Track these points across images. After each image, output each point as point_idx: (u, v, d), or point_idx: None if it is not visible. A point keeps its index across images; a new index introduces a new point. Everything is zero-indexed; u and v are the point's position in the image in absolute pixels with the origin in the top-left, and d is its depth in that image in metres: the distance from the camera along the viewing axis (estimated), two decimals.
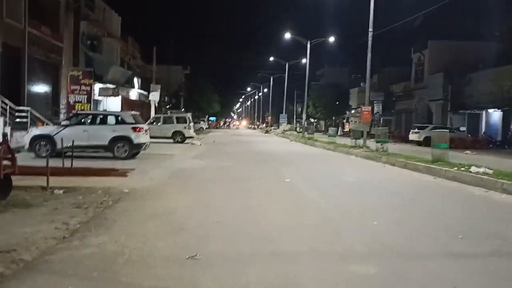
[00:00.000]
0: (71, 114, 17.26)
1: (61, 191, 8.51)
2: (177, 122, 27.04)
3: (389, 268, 4.38)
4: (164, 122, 27.27)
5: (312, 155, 19.59)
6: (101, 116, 15.88)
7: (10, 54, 18.73)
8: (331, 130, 29.78)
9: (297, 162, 16.16)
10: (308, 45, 35.89)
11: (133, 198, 8.03)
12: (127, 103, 34.79)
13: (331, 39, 36.87)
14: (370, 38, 20.30)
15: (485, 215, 7.21)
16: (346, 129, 53.28)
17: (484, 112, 38.93)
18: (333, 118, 70.34)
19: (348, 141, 26.68)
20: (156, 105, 36.30)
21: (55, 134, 14.76)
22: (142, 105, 41.46)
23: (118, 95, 30.02)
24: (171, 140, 26.18)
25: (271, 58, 54.20)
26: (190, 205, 7.33)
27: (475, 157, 17.61)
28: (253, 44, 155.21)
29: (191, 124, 27.60)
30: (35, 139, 14.83)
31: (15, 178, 9.34)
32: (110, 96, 29.53)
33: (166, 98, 53.21)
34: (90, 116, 15.68)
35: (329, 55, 66.42)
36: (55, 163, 11.04)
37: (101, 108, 30.11)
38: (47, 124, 16.48)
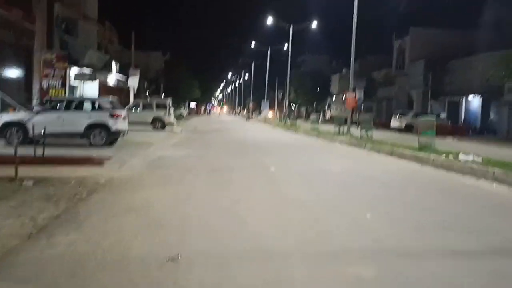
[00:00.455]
0: (44, 100, 16.48)
1: (31, 182, 7.95)
2: (157, 109, 26.34)
3: (385, 268, 4.03)
4: (144, 108, 26.55)
5: (295, 143, 19.25)
6: (77, 102, 15.19)
7: None
8: (314, 116, 29.42)
9: (281, 150, 15.79)
10: (291, 29, 35.34)
11: (109, 189, 7.53)
12: (104, 89, 33.81)
13: (314, 24, 36.37)
14: (354, 22, 19.91)
15: (481, 208, 6.93)
16: (328, 116, 53.14)
17: (463, 99, 39.19)
18: (314, 104, 70.36)
19: (330, 128, 26.48)
20: (135, 91, 35.36)
21: (27, 121, 14.04)
22: (120, 91, 40.43)
23: (95, 80, 29.06)
24: (151, 127, 25.51)
25: (253, 44, 53.45)
26: (170, 198, 6.88)
27: (459, 145, 17.51)
28: (235, 30, 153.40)
29: (171, 110, 26.93)
30: (6, 126, 14.08)
31: None
32: (86, 80, 28.56)
33: (145, 84, 52.15)
34: (65, 102, 14.95)
35: (310, 42, 65.93)
36: (26, 151, 10.46)
37: (77, 94, 29.18)
38: (19, 110, 15.67)
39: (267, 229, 5.25)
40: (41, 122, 14.12)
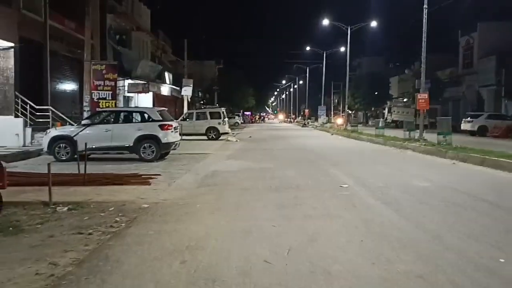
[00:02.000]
0: (91, 112, 15.74)
1: (65, 208, 6.81)
2: (211, 118, 25.27)
3: None
4: (197, 118, 25.58)
5: (362, 151, 17.33)
6: (125, 113, 14.23)
7: (31, 49, 17.38)
8: (378, 121, 27.19)
9: (348, 160, 14.00)
10: (349, 31, 33.36)
11: (151, 218, 6.18)
12: (159, 99, 33.46)
13: (373, 23, 34.15)
14: (425, 16, 17.81)
15: None
16: (389, 120, 50.19)
17: None
18: (372, 108, 67.27)
19: (396, 133, 24.29)
20: (189, 100, 34.68)
21: (75, 135, 13.21)
22: (175, 101, 40.16)
23: (148, 91, 28.54)
24: (205, 137, 24.48)
25: (308, 48, 51.74)
26: (226, 233, 5.39)
27: None
28: (288, 36, 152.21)
29: (226, 119, 25.78)
30: (54, 141, 13.35)
31: (17, 190, 7.82)
32: (140, 92, 28.10)
33: (199, 94, 51.85)
34: (113, 114, 14.03)
35: (365, 45, 63.35)
36: (74, 168, 9.46)
37: (132, 105, 28.80)
38: (69, 124, 14.98)
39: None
40: (89, 136, 13.30)
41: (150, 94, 31.33)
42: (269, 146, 20.40)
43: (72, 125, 14.13)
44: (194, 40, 54.35)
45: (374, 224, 5.72)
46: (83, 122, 13.70)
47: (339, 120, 34.37)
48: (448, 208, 6.69)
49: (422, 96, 18.09)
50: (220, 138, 24.57)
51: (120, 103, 27.18)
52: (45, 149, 13.50)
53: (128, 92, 27.27)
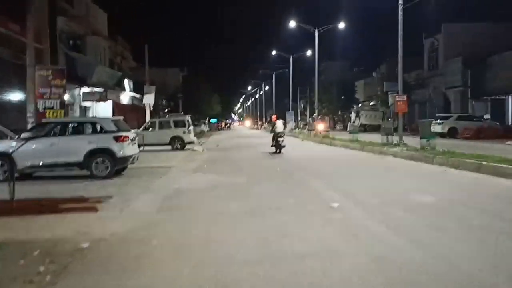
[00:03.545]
0: (32, 124, 13.78)
1: None
2: (175, 127, 23.49)
3: None
4: (161, 127, 23.75)
5: (340, 159, 16.03)
6: (73, 125, 12.38)
7: None
8: (353, 125, 26.12)
9: (328, 170, 12.63)
10: (316, 33, 32.31)
11: (88, 266, 4.55)
12: (119, 108, 31.37)
13: (341, 25, 33.21)
14: (400, 12, 16.79)
15: None
16: (356, 124, 49.53)
17: (510, 98, 35.40)
18: (339, 113, 66.83)
19: (369, 137, 23.26)
20: (152, 109, 32.74)
21: (14, 151, 11.28)
22: (137, 110, 38.09)
23: (106, 100, 26.50)
24: (170, 147, 22.72)
25: (274, 52, 50.60)
26: (195, 285, 3.84)
27: None
28: (253, 40, 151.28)
29: (191, 127, 24.07)
30: None
31: None
32: (97, 100, 26.05)
33: (163, 102, 49.87)
34: (59, 125, 12.16)
35: (330, 49, 62.79)
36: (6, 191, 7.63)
37: (90, 115, 26.68)
38: (10, 138, 13.01)
39: None
40: (30, 151, 11.46)
41: (110, 102, 29.26)
42: (239, 155, 18.87)
43: (12, 138, 12.17)
44: (157, 46, 52.50)
45: (390, 265, 4.27)
46: (23, 135, 11.77)
47: (321, 126, 32.45)
48: (473, 233, 5.34)
49: (401, 98, 17.04)
50: (185, 148, 22.86)
51: (76, 113, 25.09)
52: None
53: (83, 101, 25.17)
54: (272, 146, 19.11)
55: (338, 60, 75.46)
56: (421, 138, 15.07)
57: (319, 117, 37.68)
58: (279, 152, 18.46)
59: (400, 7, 16.85)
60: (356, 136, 22.80)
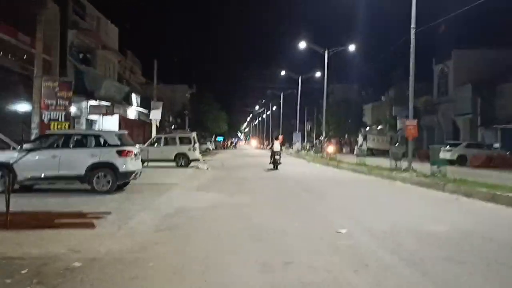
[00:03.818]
0: (35, 136, 13.59)
1: None
2: (181, 143, 23.25)
3: None
4: (166, 143, 23.55)
5: (347, 182, 15.66)
6: (77, 137, 12.14)
7: None
8: (361, 149, 25.78)
9: (334, 193, 12.27)
10: (326, 54, 32.25)
11: None
12: (125, 123, 31.30)
13: (351, 47, 33.16)
14: (412, 36, 16.60)
15: None
16: (364, 147, 49.17)
17: None
18: (346, 136, 66.51)
19: (376, 161, 22.91)
20: (158, 124, 32.61)
21: (15, 162, 11.07)
22: (143, 125, 38.05)
23: (113, 113, 26.39)
24: (174, 164, 22.45)
25: (283, 73, 50.61)
26: None
27: None
28: (262, 62, 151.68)
29: (196, 145, 23.82)
30: None
31: None
32: (104, 114, 25.94)
33: (170, 118, 49.88)
34: (62, 137, 11.93)
35: (338, 72, 62.63)
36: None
37: (96, 129, 26.54)
38: (13, 148, 12.81)
39: None
40: (31, 163, 11.23)
41: (116, 117, 29.18)
42: (244, 175, 18.55)
43: (15, 149, 11.95)
44: (166, 63, 52.76)
45: None
46: (25, 146, 11.55)
47: (330, 148, 32.55)
48: (493, 269, 4.97)
49: (411, 123, 16.71)
50: (190, 165, 22.58)
51: (82, 126, 24.97)
52: None
53: (90, 114, 25.06)
54: (270, 163, 21.94)
55: (346, 83, 75.36)
56: (431, 164, 14.70)
57: (326, 139, 37.40)
58: (276, 168, 21.12)
59: (413, 31, 16.66)
60: (364, 159, 22.43)
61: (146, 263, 5.05)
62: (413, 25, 16.65)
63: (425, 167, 16.20)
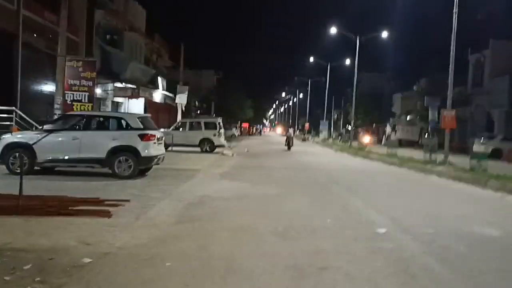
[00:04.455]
0: (57, 116, 13.23)
1: None
2: (206, 128, 22.74)
3: None
4: (191, 128, 23.07)
5: (379, 175, 14.86)
6: (98, 119, 11.73)
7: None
8: (391, 140, 24.79)
9: (366, 186, 11.55)
10: (357, 41, 31.13)
11: None
12: (151, 106, 31.03)
13: (384, 34, 31.89)
14: (455, 20, 15.53)
15: None
16: (393, 138, 47.81)
17: None
18: (374, 126, 65.00)
19: (407, 152, 21.95)
20: (183, 109, 32.20)
21: (35, 143, 10.74)
22: (169, 109, 37.77)
23: (138, 97, 26.07)
24: (199, 149, 22.01)
25: (311, 59, 49.44)
26: None
27: None
28: (290, 48, 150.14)
29: (222, 130, 23.30)
30: (9, 149, 10.81)
31: None
32: (129, 97, 25.65)
33: (196, 103, 49.53)
34: (83, 119, 11.52)
35: (367, 60, 60.89)
36: (26, 184, 6.96)
37: (121, 111, 26.32)
38: (35, 129, 12.52)
39: None
40: (52, 144, 10.86)
41: (142, 100, 28.90)
42: (270, 163, 17.94)
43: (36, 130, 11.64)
44: (193, 48, 52.33)
45: None
46: (46, 127, 11.19)
47: (367, 138, 32.09)
48: None
49: (449, 113, 15.72)
50: (214, 151, 22.11)
51: (108, 109, 24.75)
52: None
53: (115, 97, 24.80)
54: (285, 145, 28.41)
55: (375, 72, 73.49)
56: (471, 158, 13.77)
57: (358, 128, 36.52)
58: (289, 149, 27.69)
59: (455, 16, 15.57)
60: (394, 150, 21.49)
61: (162, 262, 4.50)
62: (455, 9, 15.55)
63: (461, 161, 15.29)
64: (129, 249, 4.92)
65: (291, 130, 30.18)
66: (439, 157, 16.45)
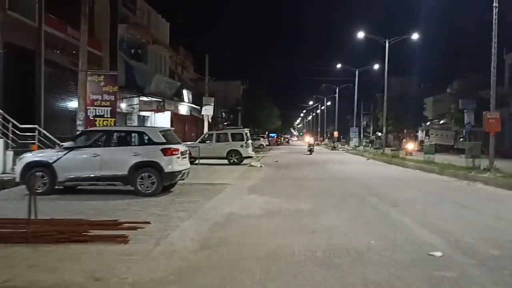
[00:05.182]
0: (77, 132, 12.79)
1: None
2: (233, 140, 22.12)
3: None
4: (218, 140, 22.48)
5: (419, 184, 13.83)
6: (119, 134, 11.21)
7: (20, 58, 14.77)
8: (429, 145, 23.52)
9: (407, 198, 10.58)
10: (387, 44, 30.07)
11: None
12: (177, 119, 30.77)
13: (414, 36, 30.74)
14: (495, 16, 14.44)
15: None
16: (426, 143, 46.09)
17: None
18: (405, 131, 63.12)
19: (445, 158, 20.74)
20: (210, 121, 31.76)
21: (55, 161, 10.28)
22: (195, 121, 37.50)
23: (164, 110, 25.71)
24: (226, 161, 21.39)
25: (339, 66, 48.48)
26: None
27: None
28: (316, 55, 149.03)
29: (249, 141, 22.62)
30: (28, 168, 10.38)
31: None
32: (155, 111, 25.33)
33: (223, 114, 49.20)
34: (104, 134, 11.00)
35: (395, 64, 59.23)
36: (44, 206, 6.45)
37: (148, 125, 26.02)
38: (51, 147, 12.12)
39: None
40: (72, 162, 10.39)
41: (168, 113, 28.61)
42: (300, 174, 17.10)
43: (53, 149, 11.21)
44: (219, 59, 52.14)
45: None
46: (65, 145, 10.72)
47: (410, 145, 30.20)
48: None
49: (493, 115, 14.57)
50: (242, 163, 21.43)
51: (134, 123, 24.48)
52: (18, 178, 10.59)
53: (141, 111, 24.50)
54: (307, 151, 33.77)
55: (404, 75, 71.64)
56: None
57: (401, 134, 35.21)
58: (310, 154, 32.83)
59: (495, 10, 14.48)
60: (432, 157, 20.31)
61: None
62: (495, 3, 14.47)
63: (505, 165, 14.10)
64: (142, 285, 4.21)
65: (312, 139, 40.13)
66: (483, 162, 15.27)
